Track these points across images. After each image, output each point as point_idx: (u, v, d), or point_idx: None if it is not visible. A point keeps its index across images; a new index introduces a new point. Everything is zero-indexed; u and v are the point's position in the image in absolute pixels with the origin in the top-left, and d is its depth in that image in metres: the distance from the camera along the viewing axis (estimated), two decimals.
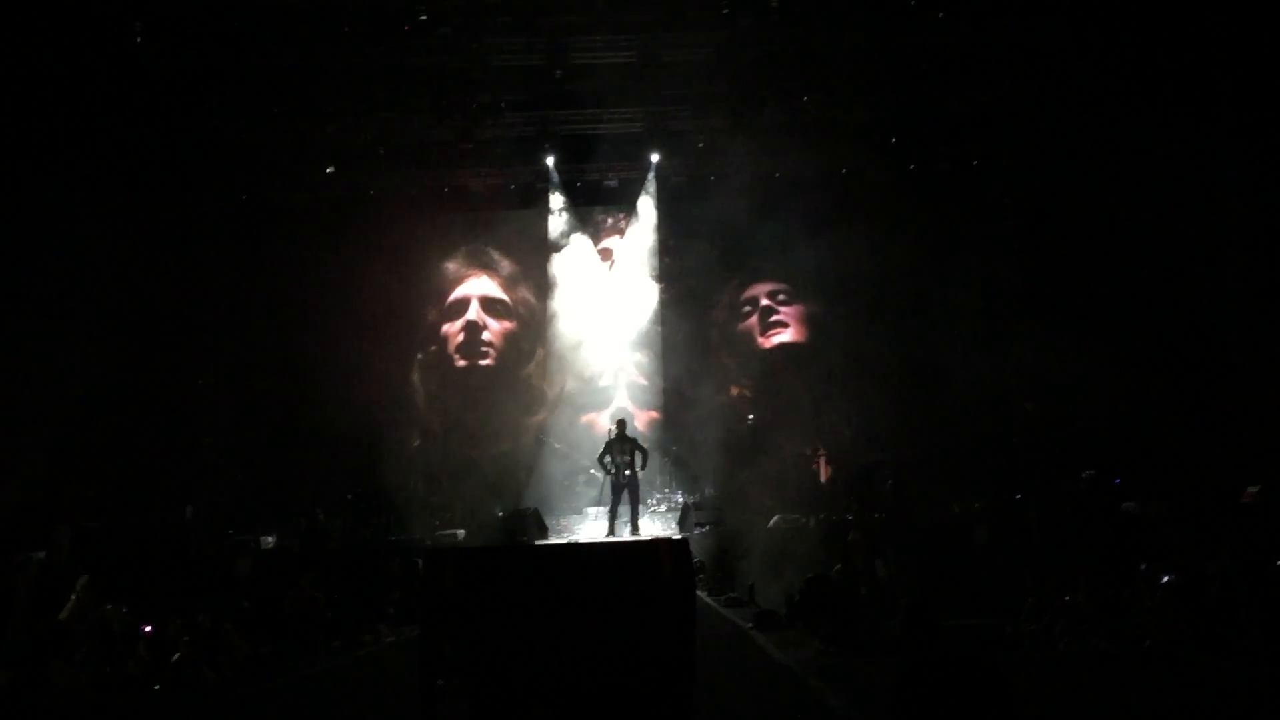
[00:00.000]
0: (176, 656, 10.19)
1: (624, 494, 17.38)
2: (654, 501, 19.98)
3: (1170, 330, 18.49)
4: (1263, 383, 17.18)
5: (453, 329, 22.81)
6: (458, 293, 22.91)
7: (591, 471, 17.77)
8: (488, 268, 22.93)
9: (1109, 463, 17.73)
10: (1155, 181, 17.85)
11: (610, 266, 22.62)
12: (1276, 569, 10.58)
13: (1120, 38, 17.51)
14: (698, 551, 15.23)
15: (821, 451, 19.88)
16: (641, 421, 21.55)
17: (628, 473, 17.27)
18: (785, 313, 22.79)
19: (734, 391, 22.20)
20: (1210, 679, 8.89)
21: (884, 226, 20.25)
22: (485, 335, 22.79)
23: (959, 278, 19.81)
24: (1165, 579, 10.84)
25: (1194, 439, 16.49)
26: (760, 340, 22.77)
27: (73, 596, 10.90)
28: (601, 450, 17.54)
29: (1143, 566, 11.22)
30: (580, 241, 22.44)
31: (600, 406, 21.77)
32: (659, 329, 22.23)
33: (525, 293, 22.96)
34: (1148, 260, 18.55)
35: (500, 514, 18.27)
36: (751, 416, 20.79)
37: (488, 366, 22.68)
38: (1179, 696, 8.22)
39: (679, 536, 16.47)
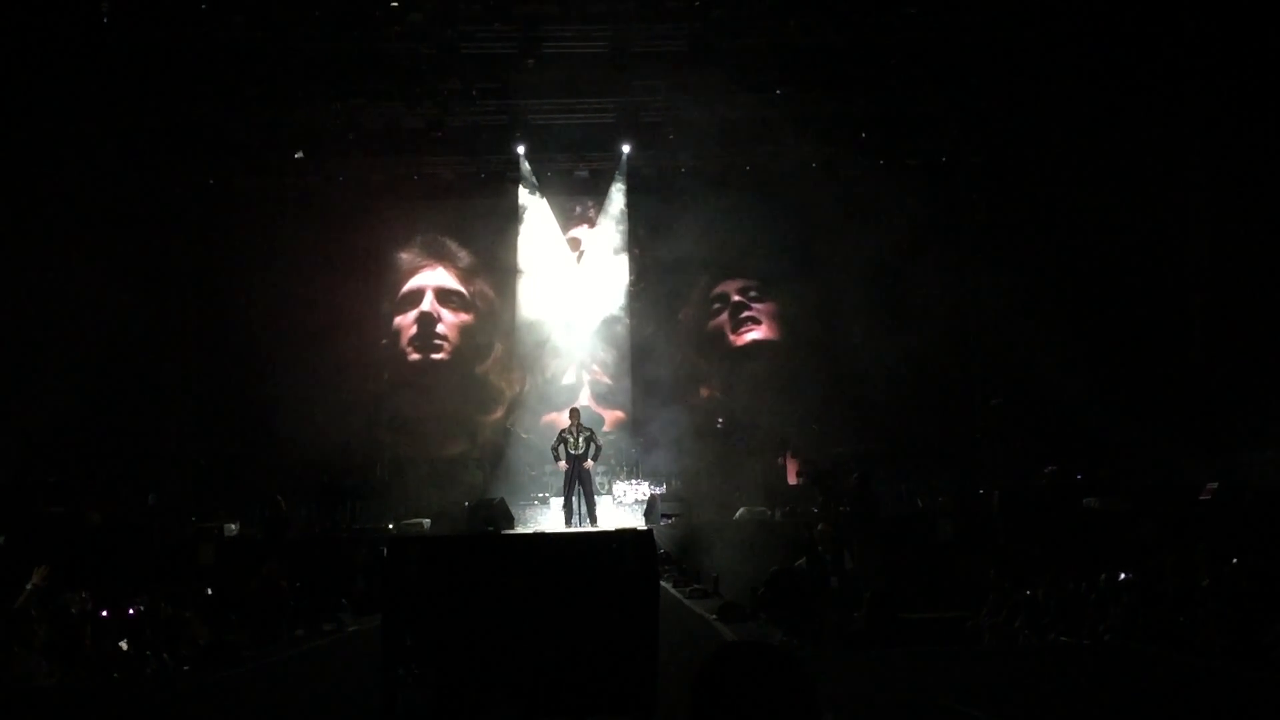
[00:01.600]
0: (126, 644, 10.06)
1: (577, 486, 17.44)
2: (620, 493, 19.94)
3: (1136, 329, 18.69)
4: (1223, 382, 17.42)
5: (405, 321, 22.56)
6: (411, 284, 22.60)
7: (561, 465, 17.75)
8: (444, 258, 22.67)
9: (1071, 459, 17.93)
10: (1123, 183, 18.02)
11: (579, 258, 22.46)
12: (1234, 565, 10.72)
13: (1089, 34, 17.64)
14: (663, 543, 15.23)
15: (789, 446, 19.93)
16: (608, 421, 21.43)
17: (587, 464, 17.36)
18: (757, 309, 22.66)
19: (704, 393, 21.98)
20: (1168, 674, 8.99)
21: (855, 222, 20.31)
22: (439, 328, 22.54)
23: (929, 274, 19.93)
24: (1125, 574, 10.98)
25: (1155, 436, 16.70)
26: (732, 338, 22.63)
27: (29, 585, 10.76)
28: (555, 440, 17.62)
29: (1103, 562, 11.35)
30: (548, 233, 22.23)
31: (562, 406, 20.87)
32: (627, 324, 22.07)
33: (484, 285, 22.61)
34: (1113, 260, 18.74)
35: (467, 503, 18.21)
36: (721, 420, 20.66)
37: (441, 360, 22.41)
38: (1137, 691, 8.31)
39: (644, 528, 16.48)
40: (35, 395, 16.20)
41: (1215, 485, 15.30)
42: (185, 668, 10.20)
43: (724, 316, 22.70)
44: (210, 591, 12.61)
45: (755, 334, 22.59)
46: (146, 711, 8.53)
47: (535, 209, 22.02)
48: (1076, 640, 10.42)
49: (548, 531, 16.30)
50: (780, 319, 22.46)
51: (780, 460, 19.40)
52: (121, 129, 18.73)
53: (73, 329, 17.21)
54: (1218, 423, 16.60)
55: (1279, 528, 12.61)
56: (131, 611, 10.56)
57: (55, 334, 17.13)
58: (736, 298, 22.64)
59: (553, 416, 21.04)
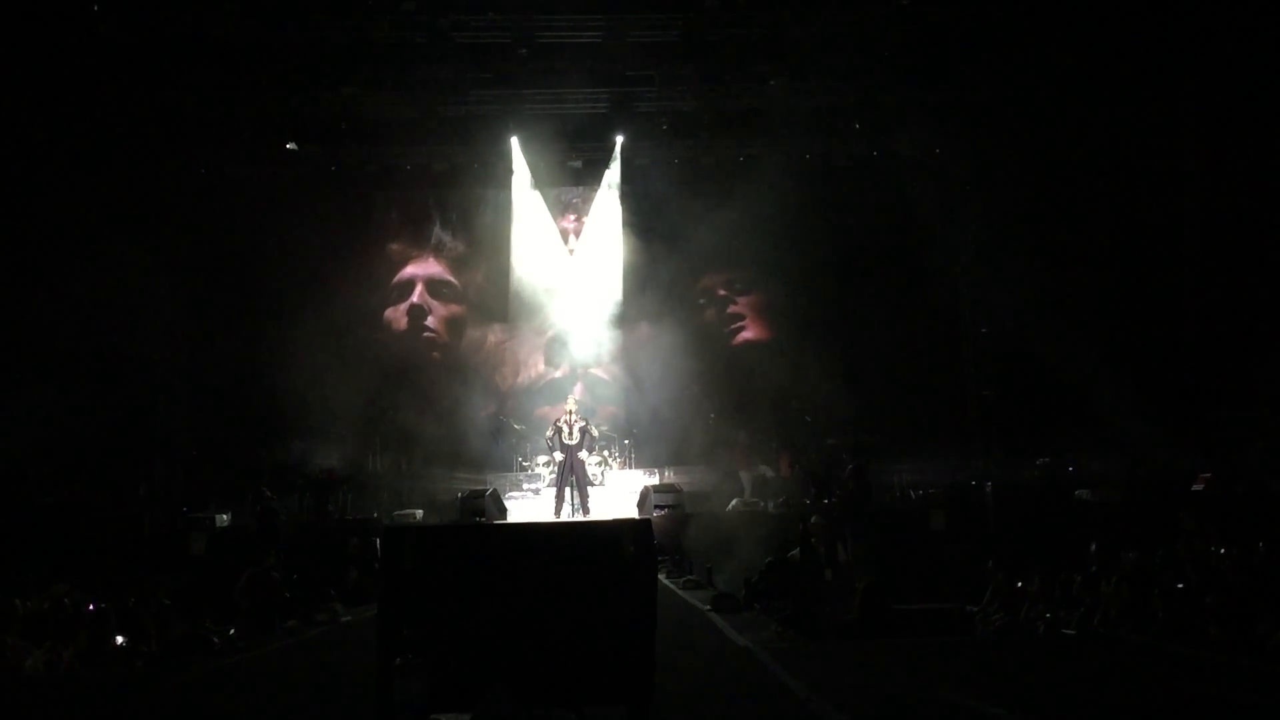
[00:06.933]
0: (118, 635, 10.01)
1: (570, 476, 17.40)
2: (613, 484, 19.93)
3: (1128, 322, 18.73)
4: (1215, 374, 17.48)
5: (397, 312, 22.49)
6: (403, 274, 22.56)
7: (556, 456, 17.72)
8: (435, 249, 22.59)
9: (1064, 450, 17.97)
10: (1115, 174, 18.02)
11: (571, 251, 22.40)
12: (1222, 556, 10.76)
13: (1088, 20, 17.63)
14: (656, 534, 15.16)
15: (782, 438, 19.92)
16: (601, 413, 21.36)
17: (581, 454, 17.34)
18: (744, 302, 22.67)
19: (696, 385, 21.86)
20: (1161, 663, 9.01)
21: (847, 213, 20.33)
22: (430, 320, 22.47)
23: (921, 266, 19.92)
24: (1118, 564, 11.00)
25: (1148, 428, 16.74)
26: (723, 331, 22.62)
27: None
28: (550, 430, 17.61)
29: (1093, 548, 11.38)
30: (541, 224, 22.13)
31: (553, 399, 21.07)
32: (619, 315, 21.98)
33: (475, 276, 22.57)
34: (1107, 253, 18.77)
35: (459, 494, 18.20)
36: (713, 415, 20.61)
37: (432, 353, 22.35)
38: (1131, 682, 8.32)
39: (643, 517, 16.48)
40: (28, 385, 16.11)
41: (1208, 476, 15.35)
42: (176, 658, 10.13)
43: (714, 309, 22.70)
44: (202, 582, 12.57)
45: (747, 328, 22.57)
46: (142, 701, 8.49)
47: (528, 199, 21.93)
48: (1069, 631, 10.44)
49: (545, 521, 16.28)
50: (772, 311, 22.44)
51: (773, 450, 19.41)
52: (112, 118, 18.61)
53: (64, 320, 17.11)
54: (1210, 414, 16.65)
55: (1271, 519, 12.64)
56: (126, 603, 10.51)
57: (47, 325, 17.03)
58: (722, 291, 22.64)
59: (545, 410, 21.01)
